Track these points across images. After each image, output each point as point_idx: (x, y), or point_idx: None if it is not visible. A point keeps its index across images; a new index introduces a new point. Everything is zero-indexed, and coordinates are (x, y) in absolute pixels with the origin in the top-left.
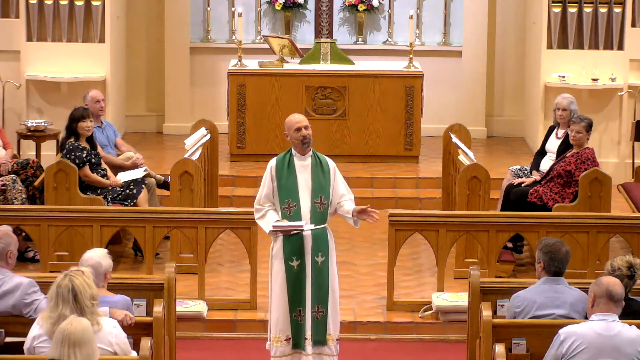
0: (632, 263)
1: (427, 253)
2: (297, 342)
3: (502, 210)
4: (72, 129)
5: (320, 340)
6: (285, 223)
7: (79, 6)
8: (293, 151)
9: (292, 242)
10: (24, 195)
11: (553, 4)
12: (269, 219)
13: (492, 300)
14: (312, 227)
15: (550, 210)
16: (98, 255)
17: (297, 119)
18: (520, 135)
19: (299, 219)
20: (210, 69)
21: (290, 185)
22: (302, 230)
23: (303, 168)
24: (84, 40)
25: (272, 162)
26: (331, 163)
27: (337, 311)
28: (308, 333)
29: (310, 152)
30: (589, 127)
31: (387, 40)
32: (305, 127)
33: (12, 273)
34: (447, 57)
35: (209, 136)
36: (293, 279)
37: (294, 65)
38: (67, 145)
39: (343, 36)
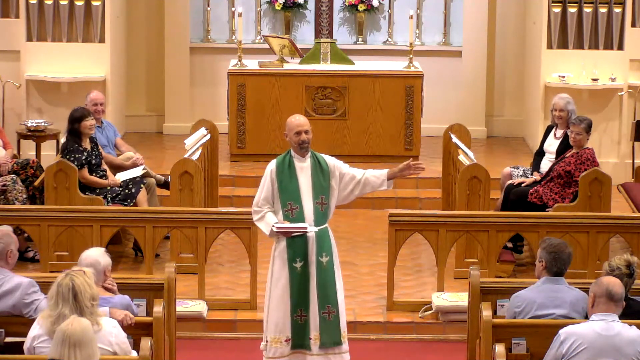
0: (631, 261)
1: (427, 253)
2: (298, 342)
3: (502, 210)
4: (74, 131)
5: (336, 340)
6: (287, 224)
7: (79, 6)
8: (292, 153)
9: (296, 244)
10: (24, 196)
11: (553, 4)
12: (268, 221)
13: (492, 300)
14: (316, 229)
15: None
16: (96, 254)
17: (299, 122)
18: (520, 135)
19: (302, 221)
20: (210, 69)
21: (292, 187)
22: (306, 231)
23: (303, 169)
24: (84, 40)
25: (272, 165)
26: (330, 160)
27: (344, 308)
28: (313, 333)
29: (309, 153)
30: (588, 128)
31: (387, 40)
32: (306, 132)
33: (12, 273)
34: (447, 57)
35: (209, 136)
36: (297, 281)
37: (294, 65)
38: (67, 147)
39: (343, 36)
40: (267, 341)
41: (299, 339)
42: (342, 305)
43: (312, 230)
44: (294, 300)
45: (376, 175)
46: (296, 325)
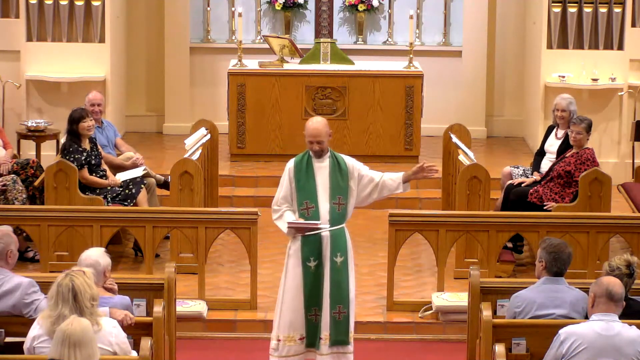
0: (630, 261)
1: (427, 253)
2: (310, 341)
3: (502, 210)
4: (73, 131)
5: (343, 340)
6: (301, 221)
7: (79, 6)
8: (310, 152)
9: (311, 242)
10: (24, 196)
11: (553, 4)
12: (286, 219)
13: (492, 300)
14: (328, 227)
15: (549, 210)
16: (96, 254)
17: (314, 131)
18: (520, 135)
19: (318, 220)
20: (210, 69)
21: (309, 187)
22: (318, 229)
23: (321, 169)
24: (84, 40)
25: (291, 164)
26: (349, 161)
27: (354, 308)
28: (324, 333)
29: (328, 154)
30: (589, 127)
31: (387, 40)
32: (319, 142)
33: (12, 273)
34: (447, 57)
35: (209, 136)
36: (311, 280)
37: (294, 65)
38: (66, 147)
39: (343, 36)
40: (279, 340)
41: (311, 338)
42: (352, 306)
43: (324, 227)
44: (307, 298)
45: (392, 178)
46: (310, 324)
